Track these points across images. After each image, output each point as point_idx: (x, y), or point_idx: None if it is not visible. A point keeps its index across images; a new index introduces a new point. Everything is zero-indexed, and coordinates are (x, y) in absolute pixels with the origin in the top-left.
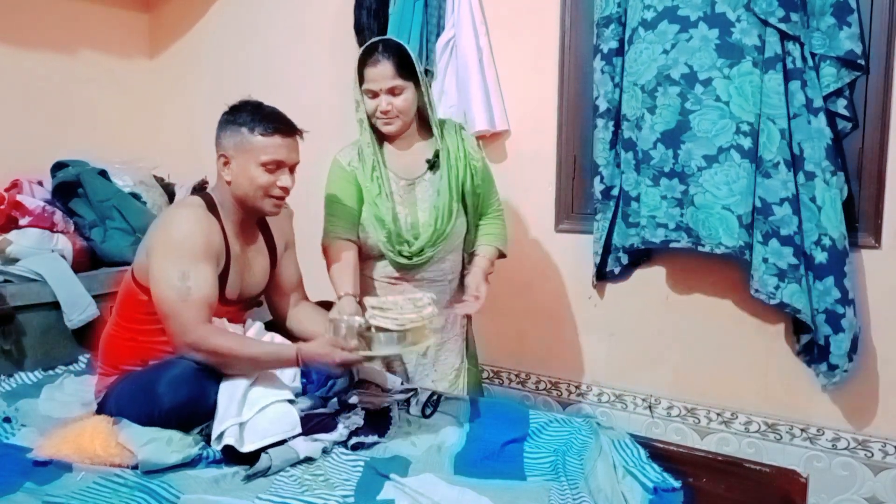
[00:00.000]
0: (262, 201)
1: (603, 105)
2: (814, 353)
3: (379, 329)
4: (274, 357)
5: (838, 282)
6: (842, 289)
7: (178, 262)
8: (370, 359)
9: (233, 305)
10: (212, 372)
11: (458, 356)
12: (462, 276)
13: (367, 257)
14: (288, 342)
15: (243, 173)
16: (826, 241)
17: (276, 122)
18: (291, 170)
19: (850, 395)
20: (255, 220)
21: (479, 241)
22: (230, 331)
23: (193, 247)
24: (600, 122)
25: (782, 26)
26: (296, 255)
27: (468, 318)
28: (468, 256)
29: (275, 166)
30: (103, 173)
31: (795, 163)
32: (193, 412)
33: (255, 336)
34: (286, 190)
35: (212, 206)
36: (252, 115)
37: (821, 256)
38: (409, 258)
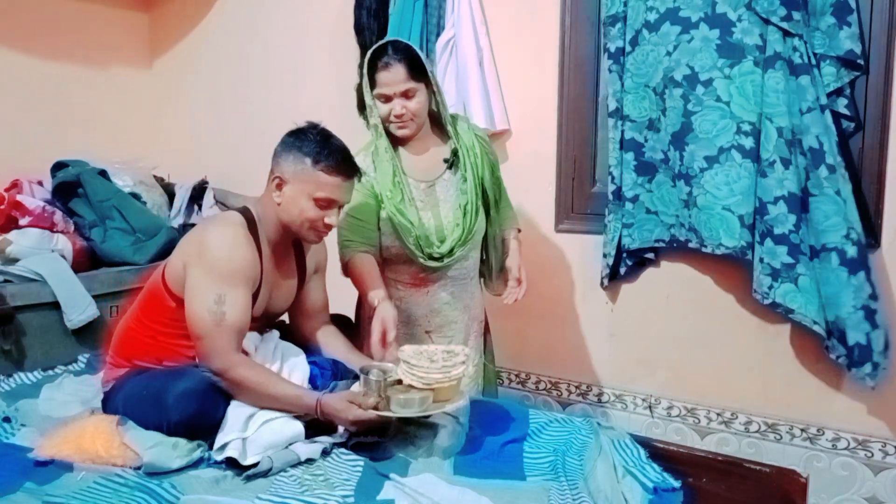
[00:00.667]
0: (306, 232)
1: (612, 105)
2: (854, 354)
3: (408, 387)
4: (294, 402)
5: (869, 276)
6: (872, 284)
7: (215, 285)
8: (386, 419)
9: (254, 322)
10: (221, 387)
11: (476, 352)
12: (481, 272)
13: (389, 262)
14: (308, 390)
15: (294, 202)
16: (854, 235)
17: (342, 162)
18: (340, 208)
19: (850, 395)
20: (291, 241)
21: (504, 226)
22: (258, 363)
23: (233, 270)
24: (610, 121)
25: (784, 25)
26: (324, 279)
27: (485, 314)
28: (493, 247)
29: (327, 204)
30: (103, 173)
31: (815, 157)
32: (201, 426)
33: (269, 344)
34: (331, 227)
35: (252, 225)
36: (320, 147)
37: (851, 251)
38: (440, 259)
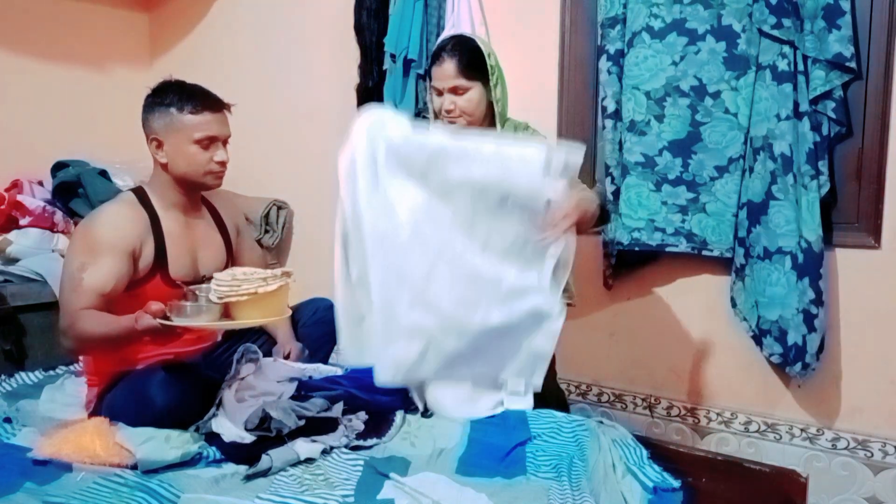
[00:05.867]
0: (203, 178)
1: (611, 106)
2: (790, 354)
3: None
4: (121, 329)
5: (814, 282)
6: (817, 289)
7: (80, 255)
8: (170, 328)
9: (198, 283)
10: (200, 370)
11: None
12: None
13: None
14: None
15: (179, 153)
16: (803, 243)
17: (204, 99)
18: (224, 143)
19: (851, 395)
20: (197, 199)
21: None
22: (99, 313)
23: (98, 241)
24: (609, 122)
25: (775, 32)
26: (251, 238)
27: None
28: None
29: (208, 142)
30: (103, 173)
31: (785, 164)
32: (186, 410)
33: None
34: (223, 164)
35: (142, 196)
36: (178, 94)
37: (801, 256)
38: None
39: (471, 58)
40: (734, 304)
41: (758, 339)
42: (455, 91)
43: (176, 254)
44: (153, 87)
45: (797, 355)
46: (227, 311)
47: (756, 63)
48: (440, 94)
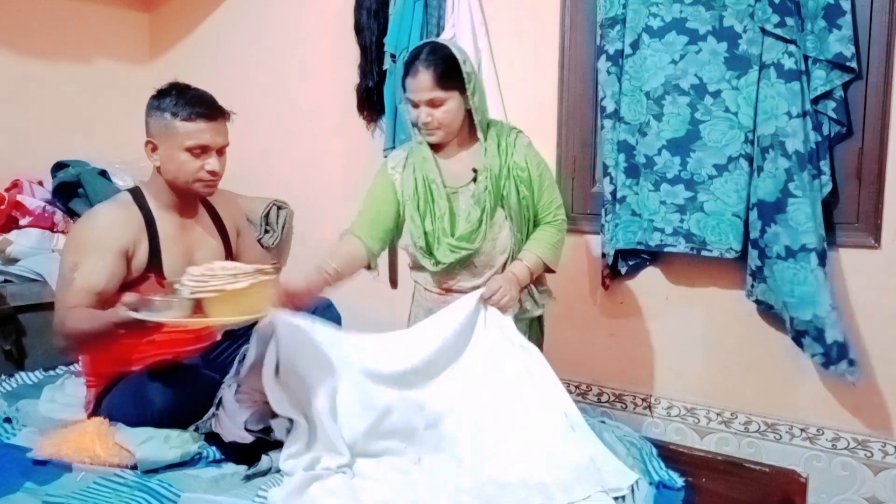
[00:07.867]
0: (192, 186)
1: (610, 106)
2: (832, 352)
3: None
4: (103, 322)
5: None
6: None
7: (72, 254)
8: (138, 321)
9: (176, 280)
10: (200, 370)
11: None
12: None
13: (418, 267)
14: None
15: (171, 159)
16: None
17: (199, 107)
18: (220, 152)
19: (850, 394)
20: (195, 201)
21: (523, 248)
22: (88, 310)
23: (89, 241)
24: (608, 122)
25: (778, 31)
26: (252, 236)
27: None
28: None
29: (200, 151)
30: (103, 173)
31: (800, 161)
32: (185, 410)
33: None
34: (214, 173)
35: (138, 196)
36: (176, 99)
37: (824, 254)
38: (436, 264)
39: (446, 67)
40: (769, 308)
41: (797, 340)
42: (432, 103)
43: (171, 255)
44: (157, 89)
45: (840, 353)
46: (202, 308)
47: (759, 62)
48: (416, 106)
